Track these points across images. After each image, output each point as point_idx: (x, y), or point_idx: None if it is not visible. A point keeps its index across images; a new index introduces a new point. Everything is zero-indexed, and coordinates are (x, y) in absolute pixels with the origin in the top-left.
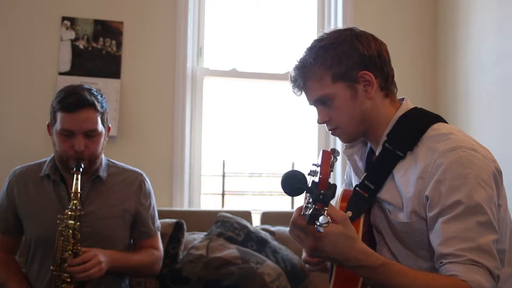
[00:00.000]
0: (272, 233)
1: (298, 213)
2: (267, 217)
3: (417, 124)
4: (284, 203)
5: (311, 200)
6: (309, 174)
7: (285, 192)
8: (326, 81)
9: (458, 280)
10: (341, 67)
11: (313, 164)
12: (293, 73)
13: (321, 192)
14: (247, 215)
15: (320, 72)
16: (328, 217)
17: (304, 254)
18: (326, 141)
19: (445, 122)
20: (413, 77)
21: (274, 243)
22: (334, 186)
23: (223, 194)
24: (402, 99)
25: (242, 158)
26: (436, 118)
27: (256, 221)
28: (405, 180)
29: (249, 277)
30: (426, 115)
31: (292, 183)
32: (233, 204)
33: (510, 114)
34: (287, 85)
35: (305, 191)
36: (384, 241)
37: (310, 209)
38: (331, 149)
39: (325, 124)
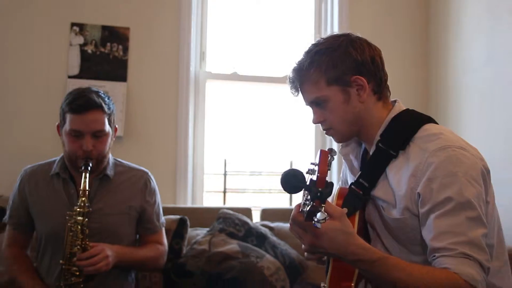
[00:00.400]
0: (271, 229)
1: (297, 210)
2: (266, 214)
3: (409, 124)
4: (283, 200)
5: (309, 197)
6: (307, 173)
7: (285, 190)
8: (321, 84)
9: (451, 273)
10: (335, 72)
11: (311, 163)
12: (291, 75)
13: (319, 190)
14: (247, 211)
15: (315, 76)
16: (326, 213)
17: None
18: (323, 141)
19: (436, 123)
20: (405, 77)
21: (273, 238)
22: (331, 184)
23: (224, 192)
24: (395, 101)
25: (243, 158)
26: (427, 119)
27: (256, 218)
28: (398, 178)
29: (249, 271)
30: (417, 117)
31: (291, 181)
32: (234, 201)
33: (499, 114)
34: (286, 87)
35: (303, 189)
36: (378, 237)
37: (308, 206)
38: (329, 149)
39: (320, 124)
